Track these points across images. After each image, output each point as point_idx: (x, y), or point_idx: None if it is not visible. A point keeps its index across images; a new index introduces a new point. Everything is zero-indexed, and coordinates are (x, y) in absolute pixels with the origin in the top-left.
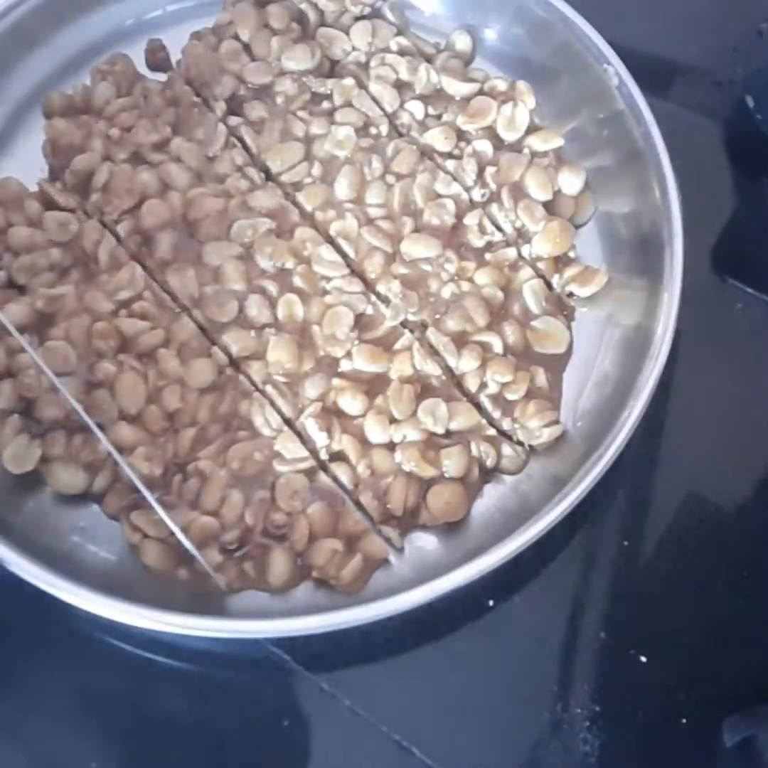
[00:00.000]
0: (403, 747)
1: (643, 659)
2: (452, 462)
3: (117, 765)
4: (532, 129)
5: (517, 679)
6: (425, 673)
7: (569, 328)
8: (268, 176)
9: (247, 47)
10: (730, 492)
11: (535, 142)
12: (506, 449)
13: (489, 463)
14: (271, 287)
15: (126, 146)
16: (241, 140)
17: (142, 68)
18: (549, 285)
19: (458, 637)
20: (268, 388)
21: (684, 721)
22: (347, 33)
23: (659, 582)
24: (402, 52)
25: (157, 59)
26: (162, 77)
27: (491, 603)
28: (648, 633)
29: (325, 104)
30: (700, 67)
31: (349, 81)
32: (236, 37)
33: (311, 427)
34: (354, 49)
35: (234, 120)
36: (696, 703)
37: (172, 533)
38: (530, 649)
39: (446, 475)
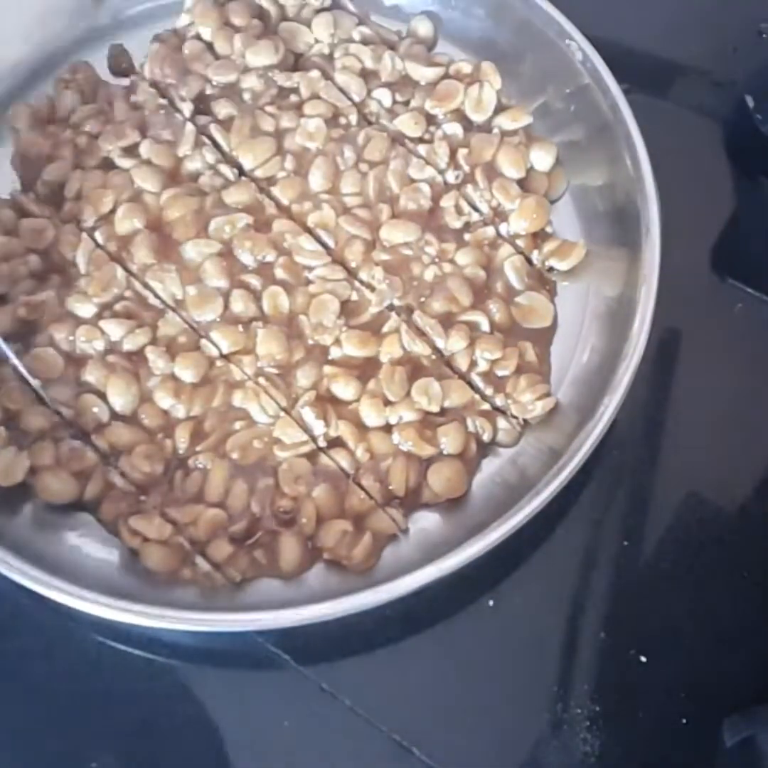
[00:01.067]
0: (403, 747)
1: (643, 659)
2: (449, 439)
3: (117, 765)
4: (500, 108)
5: (517, 679)
6: (425, 673)
7: (552, 302)
8: (242, 172)
9: (210, 46)
10: (730, 492)
11: (504, 122)
12: (501, 423)
13: (485, 437)
14: (255, 281)
15: (95, 153)
16: (211, 138)
17: (106, 74)
18: (529, 261)
19: (458, 637)
20: (261, 380)
21: (684, 721)
22: (309, 26)
23: (659, 582)
24: (365, 41)
25: (120, 64)
26: (126, 82)
27: (491, 603)
28: (648, 633)
29: (293, 98)
30: (700, 67)
31: (314, 73)
32: (198, 37)
33: (307, 415)
34: (317, 41)
35: (202, 119)
36: (696, 703)
37: (174, 534)
38: (530, 649)
39: (444, 452)
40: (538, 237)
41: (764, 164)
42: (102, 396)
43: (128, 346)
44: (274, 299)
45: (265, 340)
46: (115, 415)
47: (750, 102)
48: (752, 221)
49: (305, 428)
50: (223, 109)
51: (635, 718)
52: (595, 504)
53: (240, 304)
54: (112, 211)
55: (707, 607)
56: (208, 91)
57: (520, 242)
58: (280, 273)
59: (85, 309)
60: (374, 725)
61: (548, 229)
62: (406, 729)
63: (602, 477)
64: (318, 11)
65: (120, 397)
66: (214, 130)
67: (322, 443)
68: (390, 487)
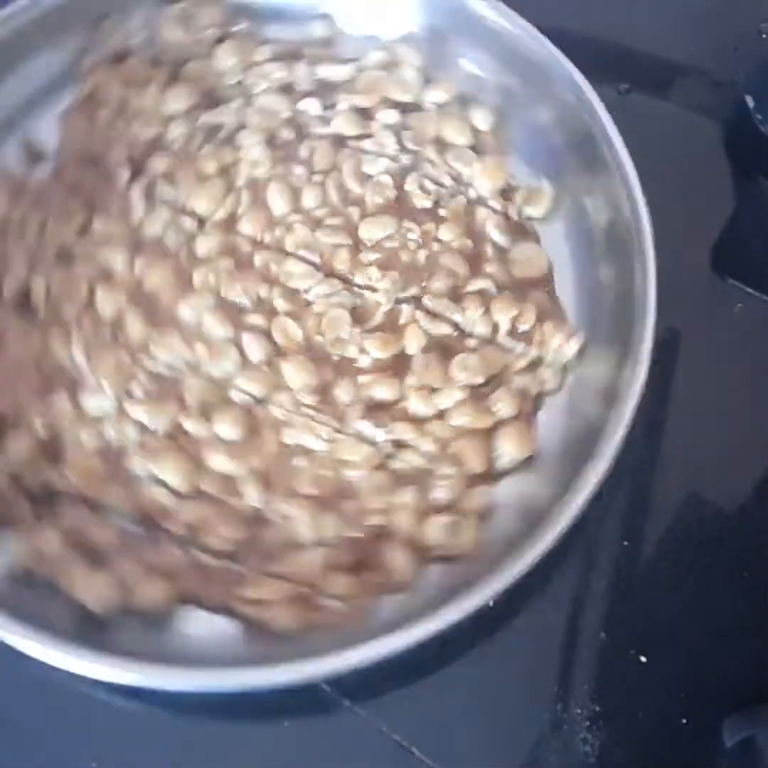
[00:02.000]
0: (403, 747)
1: (643, 659)
2: (503, 404)
3: (117, 765)
4: (426, 84)
5: (517, 679)
6: (425, 673)
7: (542, 247)
8: (202, 220)
9: (122, 106)
10: (730, 492)
11: (436, 95)
12: (543, 373)
13: (534, 390)
14: (259, 320)
15: (47, 249)
16: (159, 198)
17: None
18: (506, 216)
19: (458, 637)
20: (306, 410)
21: (684, 721)
22: (211, 59)
23: (659, 582)
24: (272, 59)
25: (35, 152)
26: (48, 167)
27: (491, 603)
28: (648, 633)
29: (223, 133)
30: (700, 67)
31: (236, 103)
32: (106, 101)
33: (365, 428)
34: (226, 72)
35: (142, 180)
36: (696, 703)
37: (291, 589)
38: (530, 649)
39: (504, 417)
40: (506, 192)
41: (764, 164)
42: (158, 482)
43: (161, 425)
44: (284, 331)
45: (293, 373)
46: (177, 495)
47: (750, 102)
48: (752, 221)
49: (367, 440)
50: (159, 163)
51: (635, 718)
52: (595, 504)
53: (254, 347)
54: (90, 299)
55: (707, 607)
56: (136, 151)
57: (492, 203)
58: (279, 304)
59: (103, 405)
60: (374, 725)
61: (512, 182)
62: (406, 729)
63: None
64: (216, 43)
65: (175, 477)
66: (161, 187)
67: (389, 450)
68: (467, 468)
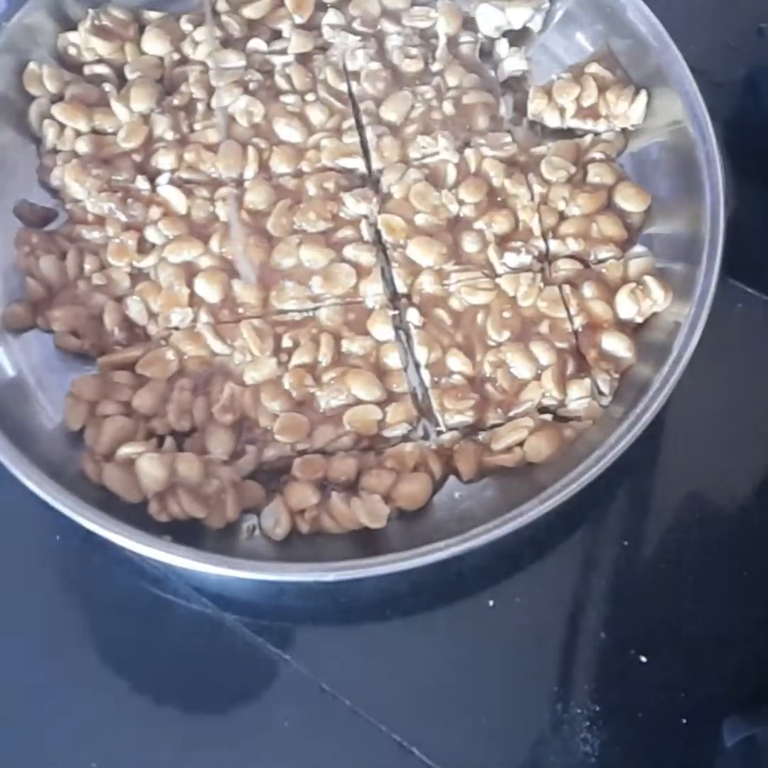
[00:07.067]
0: (403, 747)
1: (643, 659)
2: (600, 177)
3: (117, 765)
4: None
5: (517, 679)
6: (425, 673)
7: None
8: (240, 181)
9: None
10: (730, 492)
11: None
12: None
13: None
14: (349, 232)
15: (122, 281)
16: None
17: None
18: (480, 43)
19: (459, 637)
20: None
21: (684, 721)
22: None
23: (659, 582)
24: (197, 23)
25: (34, 215)
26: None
27: (491, 603)
28: (648, 633)
29: (201, 105)
30: (700, 67)
31: (192, 76)
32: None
33: (510, 260)
34: (165, 55)
35: (163, 178)
36: (696, 703)
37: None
38: (530, 649)
39: (608, 183)
40: (468, 23)
41: (764, 164)
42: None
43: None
44: (387, 225)
45: (419, 252)
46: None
47: (750, 102)
48: (752, 221)
49: (519, 269)
50: (166, 158)
51: (635, 718)
52: (595, 504)
53: (363, 255)
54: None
55: (707, 607)
56: (139, 157)
57: (464, 38)
58: (362, 208)
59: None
60: (374, 725)
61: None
62: (406, 729)
63: (602, 477)
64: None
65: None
66: (184, 174)
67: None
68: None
